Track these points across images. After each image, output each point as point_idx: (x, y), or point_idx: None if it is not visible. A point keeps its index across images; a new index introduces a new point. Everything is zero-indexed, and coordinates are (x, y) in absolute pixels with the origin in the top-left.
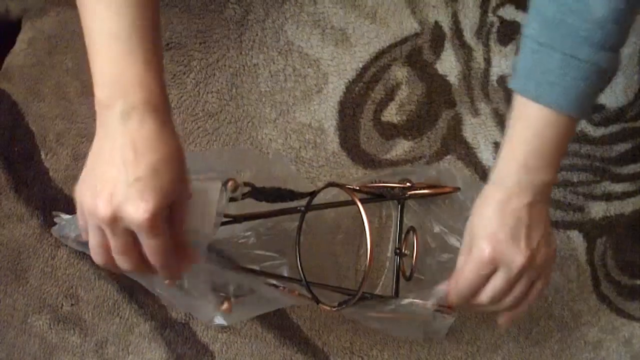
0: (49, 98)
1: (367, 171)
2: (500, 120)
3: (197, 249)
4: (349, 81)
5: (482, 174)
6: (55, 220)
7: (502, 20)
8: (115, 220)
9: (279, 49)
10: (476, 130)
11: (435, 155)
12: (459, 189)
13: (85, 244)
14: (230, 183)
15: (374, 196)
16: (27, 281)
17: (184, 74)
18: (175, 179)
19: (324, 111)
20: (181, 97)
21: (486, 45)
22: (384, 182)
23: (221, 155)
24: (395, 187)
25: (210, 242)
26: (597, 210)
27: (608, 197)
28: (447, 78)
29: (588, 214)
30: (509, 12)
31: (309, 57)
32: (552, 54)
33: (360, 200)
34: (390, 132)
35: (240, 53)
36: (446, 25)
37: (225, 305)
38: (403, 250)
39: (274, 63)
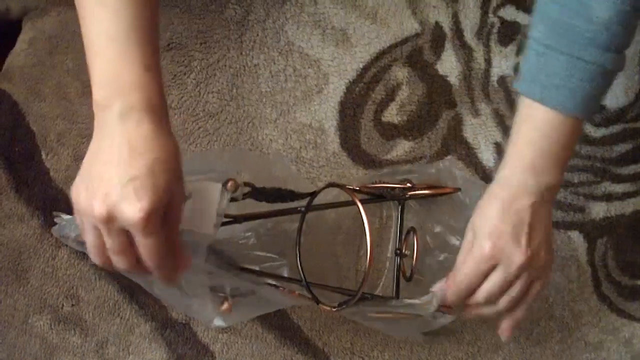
0: (49, 98)
1: (368, 171)
2: (501, 121)
3: (190, 254)
4: (350, 81)
5: (483, 174)
6: (55, 220)
7: (503, 21)
8: (110, 220)
9: (279, 49)
10: (476, 130)
11: (436, 156)
12: (459, 189)
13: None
14: (230, 183)
15: (375, 197)
16: (27, 281)
17: (185, 74)
18: (171, 179)
19: (325, 111)
20: (182, 97)
21: (487, 46)
22: (384, 183)
23: (222, 156)
24: (396, 187)
25: (211, 242)
26: (598, 210)
27: (609, 197)
28: (448, 78)
29: (589, 215)
30: (509, 13)
31: (309, 57)
32: (557, 56)
33: (361, 200)
34: (390, 132)
35: (241, 53)
36: (447, 25)
37: (225, 306)
38: (403, 251)
39: (274, 63)
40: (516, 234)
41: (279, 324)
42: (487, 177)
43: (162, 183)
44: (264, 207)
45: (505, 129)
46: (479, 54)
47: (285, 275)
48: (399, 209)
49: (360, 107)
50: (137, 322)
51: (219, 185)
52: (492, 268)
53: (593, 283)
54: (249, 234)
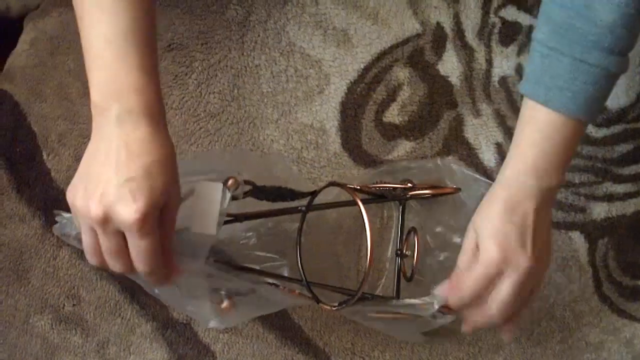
0: (51, 99)
1: (368, 171)
2: (502, 121)
3: (182, 264)
4: (351, 82)
5: (484, 174)
6: (56, 218)
7: (504, 21)
8: (106, 220)
9: (280, 49)
10: (478, 131)
11: (437, 156)
12: (459, 189)
13: None
14: (231, 181)
15: (375, 196)
16: (28, 281)
17: (186, 74)
18: (167, 181)
19: (326, 112)
20: (183, 97)
21: (488, 46)
22: (385, 183)
23: (222, 156)
24: (397, 187)
25: (213, 243)
26: (599, 211)
27: (610, 198)
28: (449, 79)
29: (590, 215)
30: (510, 13)
31: (310, 57)
32: (561, 58)
33: (362, 200)
34: (391, 132)
35: (242, 54)
36: (448, 26)
37: (225, 304)
38: (404, 251)
39: (275, 64)
40: (522, 238)
41: (279, 323)
42: (488, 177)
43: (159, 185)
44: (265, 206)
45: (507, 130)
46: (480, 55)
47: (286, 275)
48: (400, 209)
49: (361, 107)
50: (138, 322)
51: (220, 185)
52: (499, 273)
53: (594, 283)
54: (250, 234)
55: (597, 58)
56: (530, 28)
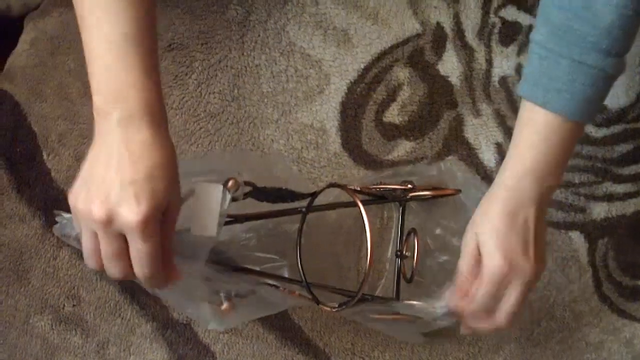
0: (51, 99)
1: (369, 172)
2: (502, 121)
3: (181, 270)
4: (351, 82)
5: (484, 174)
6: (56, 219)
7: (504, 21)
8: (108, 223)
9: (281, 49)
10: (478, 131)
11: (437, 156)
12: (460, 191)
13: None
14: (231, 182)
15: (376, 197)
16: (28, 282)
17: (186, 74)
18: (169, 184)
19: (326, 112)
20: (183, 97)
21: (488, 46)
22: (385, 184)
23: (222, 157)
24: (397, 188)
25: (213, 244)
26: (599, 211)
27: (609, 198)
28: (449, 79)
29: (589, 215)
30: (510, 13)
31: (310, 57)
32: (560, 60)
33: (362, 201)
34: (392, 132)
35: (242, 54)
36: (448, 26)
37: (224, 306)
38: (404, 252)
39: (276, 64)
40: (525, 245)
41: (279, 324)
42: (488, 177)
43: (161, 188)
44: (265, 207)
45: (507, 130)
46: (480, 55)
47: (286, 276)
48: (400, 210)
49: (361, 107)
50: (138, 323)
51: (220, 186)
52: (507, 281)
53: (594, 283)
54: (250, 234)
55: (595, 60)
56: (530, 28)
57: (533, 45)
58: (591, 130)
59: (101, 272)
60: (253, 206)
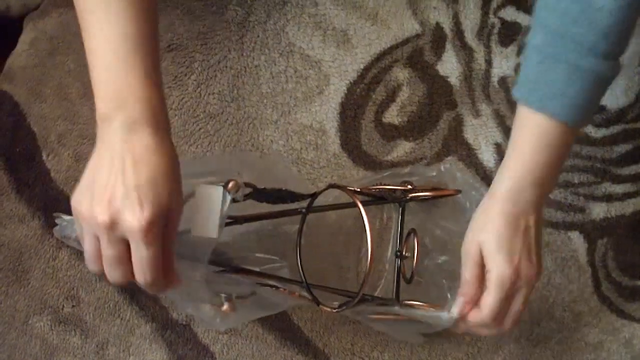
0: (50, 99)
1: (368, 173)
2: (501, 121)
3: (181, 276)
4: (350, 82)
5: (483, 174)
6: (56, 221)
7: (503, 22)
8: (112, 227)
9: (280, 50)
10: (477, 131)
11: (436, 157)
12: (460, 191)
13: None
14: (231, 184)
15: (375, 198)
16: (28, 282)
17: (186, 75)
18: (172, 189)
19: (325, 112)
20: (182, 98)
21: (487, 47)
22: (385, 185)
23: (222, 158)
24: (397, 189)
25: (214, 246)
26: (598, 211)
27: (609, 198)
28: (448, 79)
29: (589, 215)
30: (509, 13)
31: (310, 58)
32: (556, 64)
33: (362, 202)
34: (391, 133)
35: (242, 54)
36: (447, 26)
37: (225, 307)
38: (404, 253)
39: (275, 64)
40: (528, 253)
41: (279, 325)
42: (487, 177)
43: (164, 193)
44: (265, 208)
45: (506, 130)
46: (479, 55)
47: (286, 276)
48: (400, 211)
49: (360, 108)
50: (137, 323)
51: (221, 188)
52: (514, 289)
53: (593, 283)
54: (250, 235)
55: (592, 64)
56: (530, 28)
57: (529, 49)
58: (590, 130)
59: (101, 276)
60: (253, 207)
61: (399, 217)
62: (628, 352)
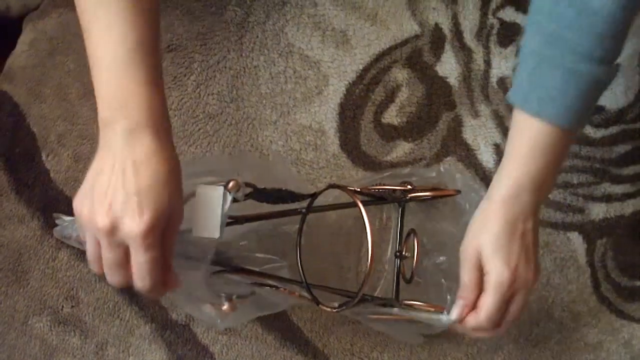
0: (50, 99)
1: (368, 173)
2: (501, 122)
3: (179, 278)
4: (350, 83)
5: (483, 175)
6: (56, 222)
7: (502, 22)
8: (112, 231)
9: (279, 51)
10: (476, 131)
11: (436, 157)
12: (459, 191)
13: None
14: (232, 183)
15: (375, 198)
16: (27, 283)
17: (185, 75)
18: (172, 194)
19: (325, 113)
20: (182, 99)
21: (486, 47)
22: (385, 185)
23: (222, 158)
24: (396, 189)
25: (215, 246)
26: (597, 211)
27: (608, 198)
28: (447, 80)
29: (588, 216)
30: (508, 14)
31: (309, 59)
32: (553, 69)
33: (362, 202)
34: (390, 133)
35: (241, 55)
36: (446, 27)
37: (225, 307)
38: (403, 253)
39: (274, 65)
40: (526, 255)
41: (279, 325)
42: (487, 178)
43: (165, 199)
44: (265, 208)
45: (505, 130)
46: (478, 56)
47: (286, 276)
48: (400, 211)
49: (360, 108)
50: (137, 324)
51: (221, 188)
52: (513, 294)
53: (592, 284)
54: (250, 235)
55: (588, 68)
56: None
57: (525, 54)
58: (590, 131)
59: (104, 277)
60: (253, 207)
61: (398, 217)
62: (627, 353)
